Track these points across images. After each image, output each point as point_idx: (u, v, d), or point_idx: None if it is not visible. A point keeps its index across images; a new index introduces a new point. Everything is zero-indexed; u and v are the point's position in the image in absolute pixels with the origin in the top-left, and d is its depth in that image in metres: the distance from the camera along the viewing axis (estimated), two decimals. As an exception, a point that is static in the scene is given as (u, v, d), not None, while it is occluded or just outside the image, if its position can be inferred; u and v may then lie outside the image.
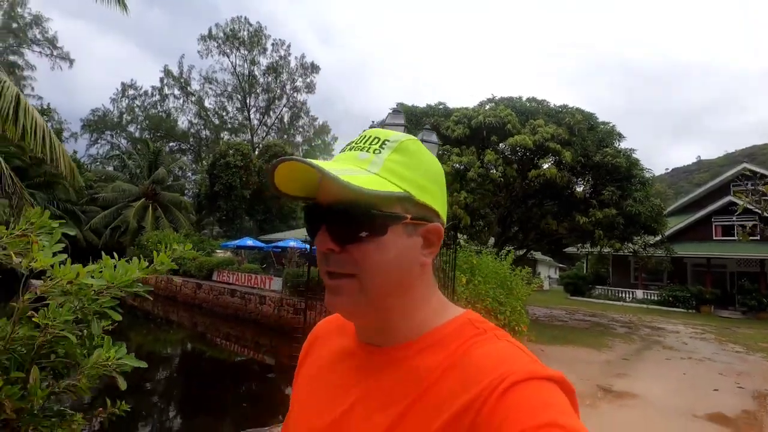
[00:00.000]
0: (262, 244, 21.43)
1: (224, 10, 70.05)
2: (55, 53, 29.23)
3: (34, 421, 1.89)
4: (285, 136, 43.23)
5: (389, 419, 0.49)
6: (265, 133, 43.59)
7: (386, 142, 0.54)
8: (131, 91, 42.68)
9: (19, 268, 2.10)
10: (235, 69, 41.58)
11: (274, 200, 31.38)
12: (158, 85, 42.29)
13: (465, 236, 12.19)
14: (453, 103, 13.70)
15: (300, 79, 43.40)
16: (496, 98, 13.26)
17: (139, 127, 43.27)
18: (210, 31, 39.96)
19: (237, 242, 21.52)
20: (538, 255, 27.97)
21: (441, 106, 13.42)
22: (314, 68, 43.85)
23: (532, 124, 11.43)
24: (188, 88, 42.17)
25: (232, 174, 27.92)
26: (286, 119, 44.36)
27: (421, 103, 13.87)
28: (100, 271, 1.92)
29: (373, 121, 16.15)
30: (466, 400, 0.45)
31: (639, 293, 22.66)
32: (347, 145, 0.57)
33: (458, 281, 5.36)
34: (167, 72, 41.65)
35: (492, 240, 14.28)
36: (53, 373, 1.92)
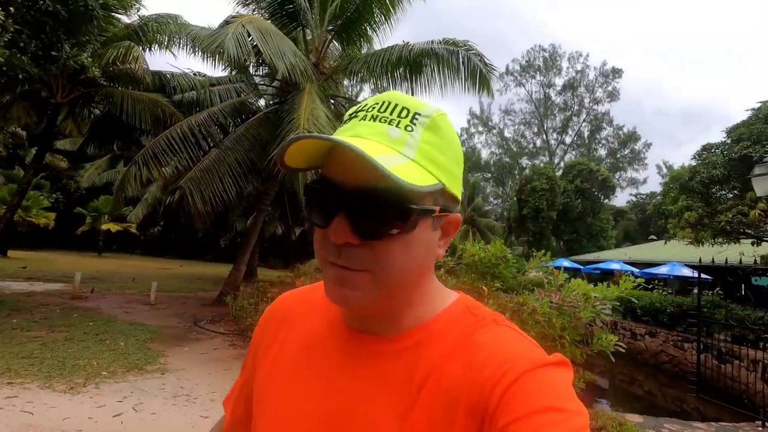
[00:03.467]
0: (578, 266, 21.57)
1: (513, 47, 74.84)
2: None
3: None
4: (586, 152, 41.56)
5: (397, 411, 0.47)
6: (563, 152, 43.36)
7: (417, 116, 0.48)
8: (446, 136, 51.97)
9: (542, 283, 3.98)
10: (531, 96, 43.87)
11: (580, 220, 30.81)
12: (466, 125, 49.76)
13: None
14: None
15: (600, 89, 41.15)
16: None
17: (452, 163, 51.84)
18: (507, 67, 43.94)
19: (552, 264, 22.55)
20: None
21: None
22: (616, 73, 40.62)
23: None
24: (490, 123, 47.48)
25: (539, 197, 29.44)
26: (585, 134, 42.73)
27: None
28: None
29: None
30: (474, 391, 0.44)
31: None
32: (363, 108, 0.50)
33: None
34: (472, 114, 48.43)
35: None
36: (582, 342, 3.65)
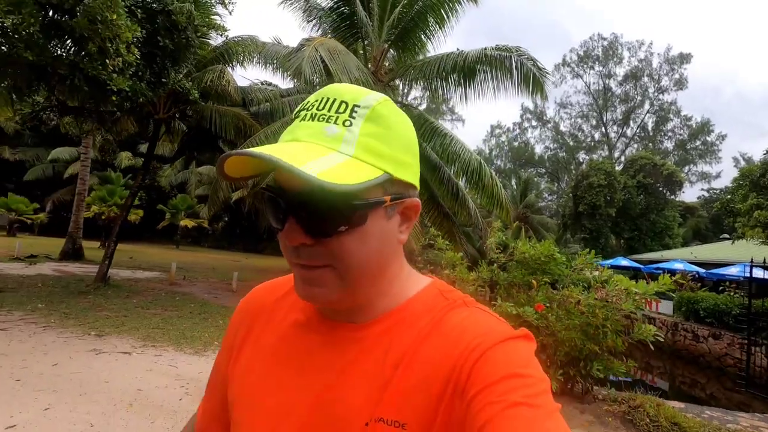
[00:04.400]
0: (638, 265, 20.83)
1: (574, 37, 71.62)
2: (453, 118, 40.92)
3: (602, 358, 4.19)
4: (650, 145, 39.28)
5: (377, 393, 0.48)
6: (624, 146, 41.29)
7: (356, 109, 0.48)
8: (497, 131, 51.23)
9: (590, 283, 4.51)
10: (589, 88, 42.12)
11: (643, 217, 29.39)
12: (518, 120, 48.72)
13: None
14: None
15: (665, 78, 38.68)
16: None
17: (503, 159, 51.06)
18: (564, 58, 42.47)
19: (610, 262, 21.90)
20: None
21: None
22: (684, 59, 37.99)
23: None
24: (544, 117, 46.15)
25: (596, 194, 28.45)
26: (650, 126, 40.37)
27: None
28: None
29: None
30: (447, 369, 0.46)
31: None
32: (304, 107, 0.50)
33: None
34: (525, 109, 47.32)
35: None
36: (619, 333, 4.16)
